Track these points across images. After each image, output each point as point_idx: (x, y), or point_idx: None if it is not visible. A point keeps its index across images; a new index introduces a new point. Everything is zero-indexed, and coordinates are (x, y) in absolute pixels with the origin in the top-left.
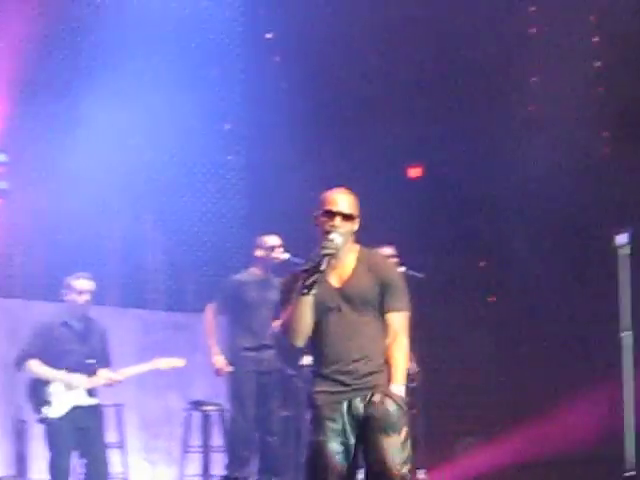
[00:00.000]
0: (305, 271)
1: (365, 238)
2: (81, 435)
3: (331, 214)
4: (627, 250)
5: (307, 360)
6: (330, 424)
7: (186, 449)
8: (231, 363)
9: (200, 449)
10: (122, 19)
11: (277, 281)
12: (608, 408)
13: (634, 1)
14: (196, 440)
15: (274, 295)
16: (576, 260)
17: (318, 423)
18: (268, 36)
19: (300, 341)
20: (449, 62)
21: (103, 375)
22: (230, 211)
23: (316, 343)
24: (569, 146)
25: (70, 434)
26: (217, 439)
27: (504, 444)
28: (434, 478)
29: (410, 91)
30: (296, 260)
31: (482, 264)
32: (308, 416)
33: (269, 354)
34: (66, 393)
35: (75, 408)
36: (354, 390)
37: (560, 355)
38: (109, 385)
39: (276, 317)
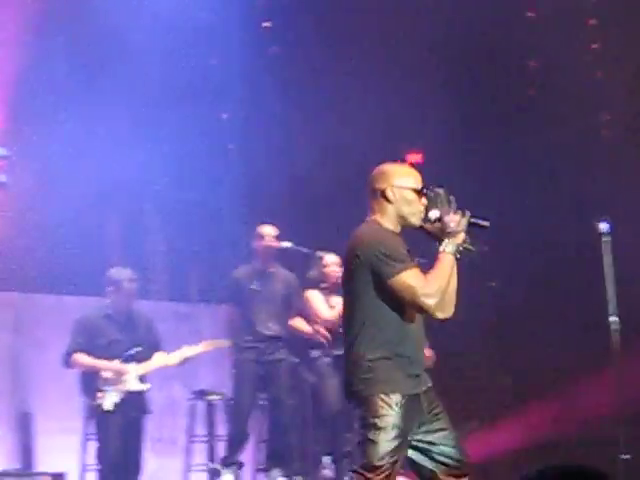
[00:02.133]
0: (449, 234)
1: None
2: (128, 427)
3: (424, 192)
4: (608, 237)
5: (316, 353)
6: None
7: (191, 439)
8: (233, 354)
9: (205, 438)
10: (116, 9)
11: (284, 272)
12: (606, 391)
13: None
14: (201, 429)
15: (278, 286)
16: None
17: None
18: (266, 24)
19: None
20: (448, 49)
21: (158, 359)
22: (229, 201)
23: (399, 326)
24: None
25: (118, 427)
26: (222, 428)
27: (505, 428)
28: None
29: (407, 75)
30: (300, 248)
31: (485, 248)
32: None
33: (272, 345)
34: (117, 381)
35: (128, 394)
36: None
37: (560, 340)
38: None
39: (288, 310)
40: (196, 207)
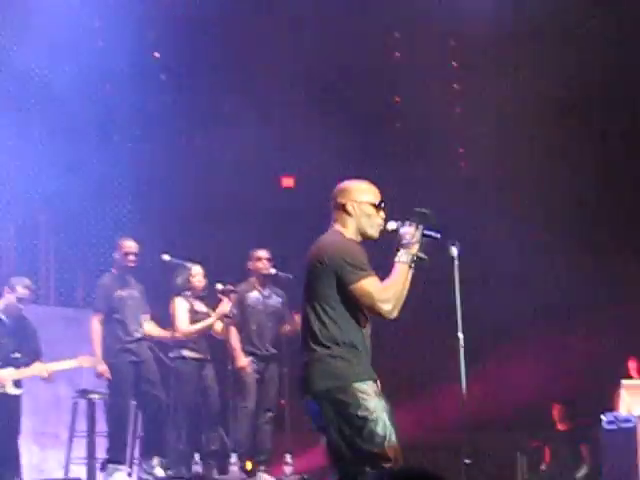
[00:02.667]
0: (404, 245)
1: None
2: (3, 426)
3: (382, 207)
4: (457, 260)
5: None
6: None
7: (73, 434)
8: (112, 357)
9: (86, 434)
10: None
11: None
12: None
13: (490, 27)
14: (82, 425)
15: (137, 292)
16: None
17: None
18: (156, 55)
19: (397, 312)
20: (322, 84)
21: (34, 368)
22: (113, 213)
23: (356, 327)
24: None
25: None
26: (101, 425)
27: None
28: (299, 463)
29: (283, 106)
30: (178, 261)
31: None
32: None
33: (142, 346)
34: None
35: (4, 396)
36: None
37: (418, 351)
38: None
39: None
40: (82, 218)
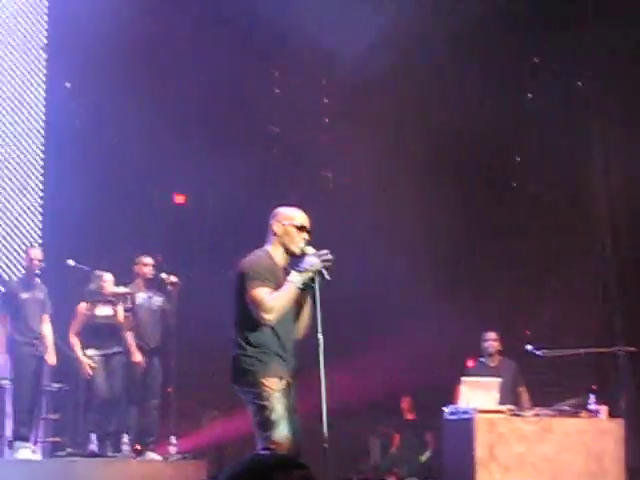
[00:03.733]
0: (300, 269)
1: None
2: None
3: (306, 230)
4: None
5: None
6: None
7: None
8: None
9: None
10: None
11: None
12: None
13: (356, 66)
14: None
15: (41, 295)
16: None
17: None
18: (67, 85)
19: (275, 320)
20: (208, 114)
21: None
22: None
23: (267, 332)
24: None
25: None
26: (8, 407)
27: (238, 417)
28: (183, 444)
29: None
30: (81, 266)
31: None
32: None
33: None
34: None
35: None
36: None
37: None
38: None
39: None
40: None
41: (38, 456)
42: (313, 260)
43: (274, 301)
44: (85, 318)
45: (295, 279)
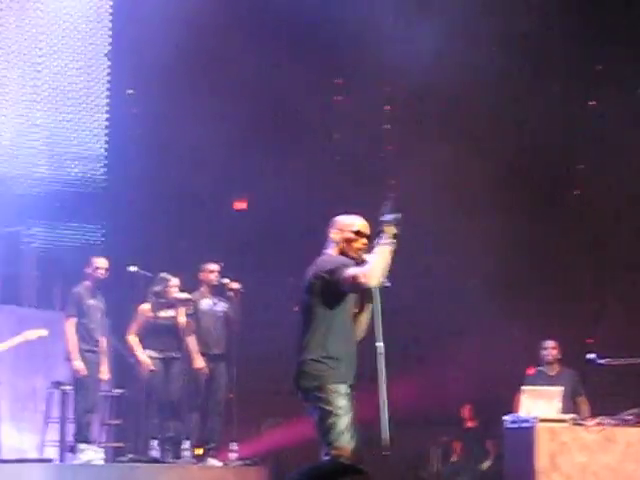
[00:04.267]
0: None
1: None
2: None
3: (364, 235)
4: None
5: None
6: None
7: (47, 420)
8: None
9: (58, 420)
10: None
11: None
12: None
13: (420, 78)
14: (55, 413)
15: (102, 304)
16: None
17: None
18: (129, 92)
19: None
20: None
21: None
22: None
23: (337, 338)
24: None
25: None
26: (71, 412)
27: (298, 424)
28: (243, 450)
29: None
30: (144, 272)
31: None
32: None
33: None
34: None
35: None
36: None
37: None
38: None
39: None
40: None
41: (101, 455)
42: (389, 217)
43: (370, 267)
44: (145, 319)
45: (383, 243)
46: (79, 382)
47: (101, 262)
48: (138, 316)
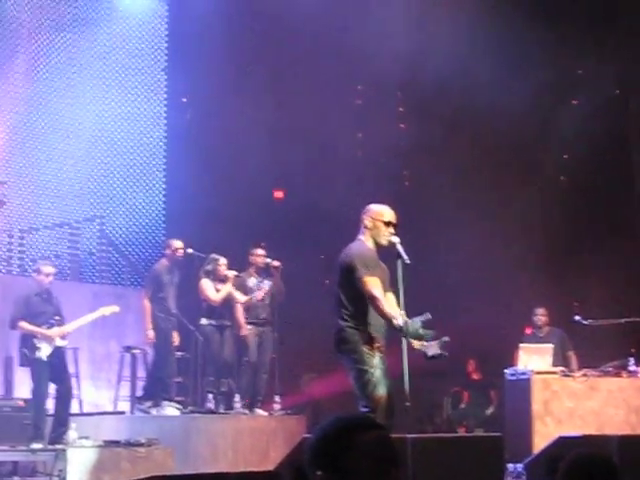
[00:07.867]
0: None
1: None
2: (56, 369)
3: (392, 224)
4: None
5: (204, 321)
6: None
7: (120, 379)
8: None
9: (129, 378)
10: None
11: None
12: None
13: (432, 76)
14: (127, 372)
15: (176, 279)
16: None
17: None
18: (184, 99)
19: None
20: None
21: (70, 325)
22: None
23: (367, 308)
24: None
25: (49, 370)
26: (141, 372)
27: (331, 379)
28: (285, 401)
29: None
30: (198, 253)
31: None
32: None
33: (175, 316)
34: (48, 340)
35: (55, 349)
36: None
37: None
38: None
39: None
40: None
41: (178, 412)
42: (413, 330)
43: (379, 302)
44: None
45: (398, 323)
46: (159, 348)
47: (178, 244)
48: (209, 288)
